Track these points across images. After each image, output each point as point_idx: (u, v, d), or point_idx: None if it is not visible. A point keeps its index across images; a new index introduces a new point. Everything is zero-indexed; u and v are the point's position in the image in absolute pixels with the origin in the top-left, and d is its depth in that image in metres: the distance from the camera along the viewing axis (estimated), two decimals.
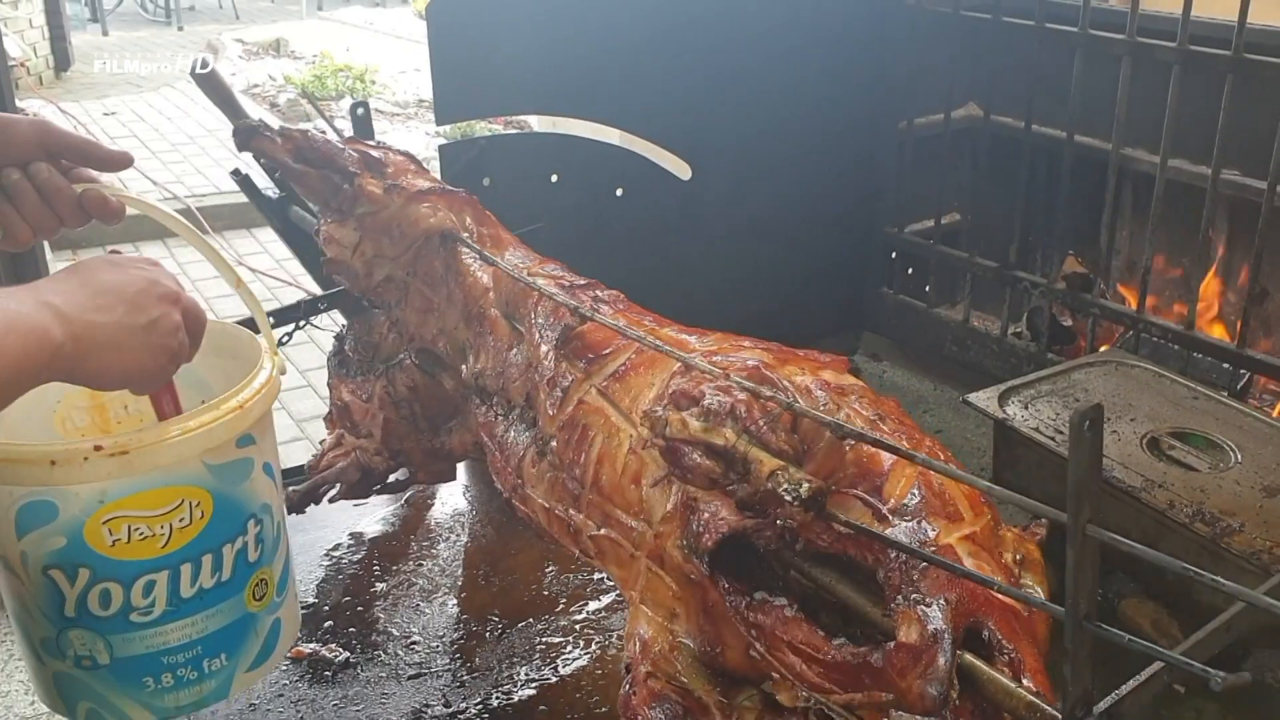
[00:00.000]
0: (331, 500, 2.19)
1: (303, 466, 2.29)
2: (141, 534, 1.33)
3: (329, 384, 2.18)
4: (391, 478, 2.18)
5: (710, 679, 1.34)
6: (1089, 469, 0.92)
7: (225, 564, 1.40)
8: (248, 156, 2.22)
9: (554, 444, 1.56)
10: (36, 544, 1.32)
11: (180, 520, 1.35)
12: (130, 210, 1.34)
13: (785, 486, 1.15)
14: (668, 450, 1.27)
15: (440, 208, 1.84)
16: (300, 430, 4.24)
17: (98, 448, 1.28)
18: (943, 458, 1.27)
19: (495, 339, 1.76)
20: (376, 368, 2.03)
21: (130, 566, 1.34)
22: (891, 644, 1.15)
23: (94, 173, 1.33)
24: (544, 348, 1.63)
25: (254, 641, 1.47)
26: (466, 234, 1.84)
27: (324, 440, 2.26)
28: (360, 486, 2.16)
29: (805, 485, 1.15)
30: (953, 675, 1.11)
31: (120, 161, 1.34)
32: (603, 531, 1.47)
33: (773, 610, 1.26)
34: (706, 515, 1.30)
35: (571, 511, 1.53)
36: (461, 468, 2.31)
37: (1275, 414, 2.31)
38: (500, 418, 1.74)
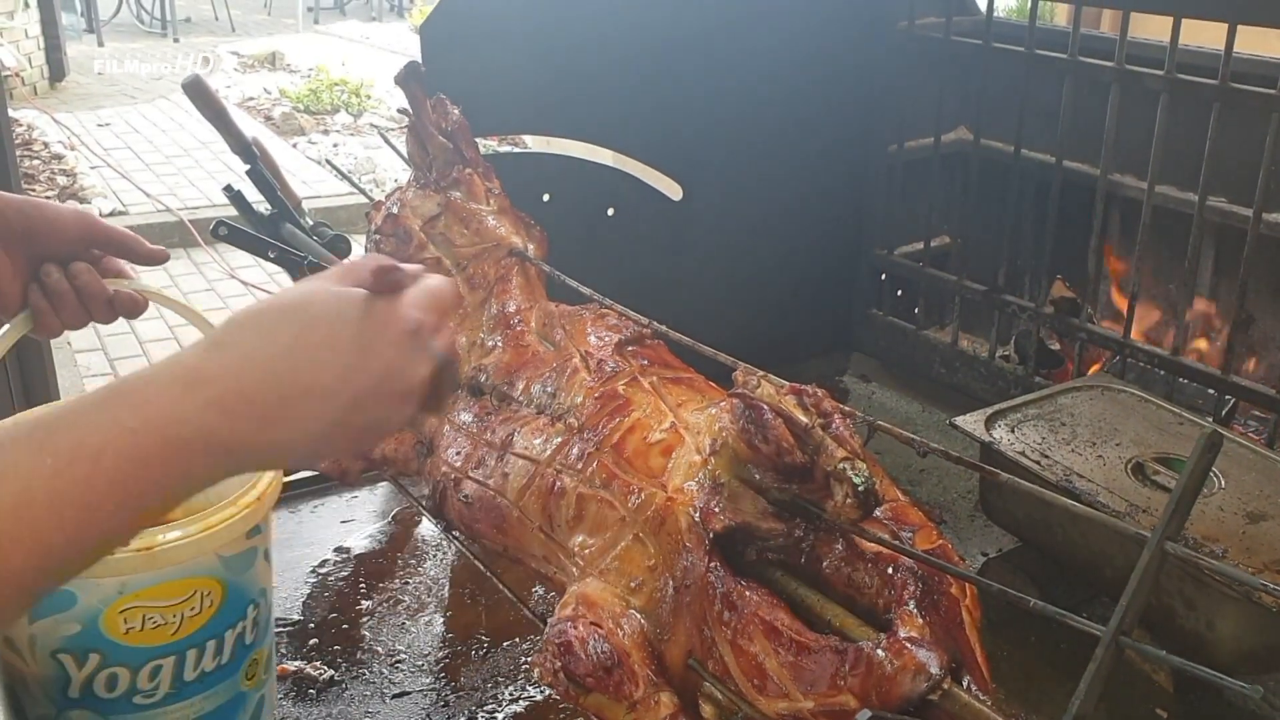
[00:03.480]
0: None
1: None
2: (155, 622, 1.37)
3: None
4: None
5: (649, 654, 1.34)
6: (1192, 490, 0.94)
7: (226, 648, 1.46)
8: (240, 171, 2.22)
9: (580, 408, 1.60)
10: (50, 630, 1.34)
11: (191, 609, 1.40)
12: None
13: (853, 473, 1.19)
14: (748, 406, 1.29)
15: (520, 230, 2.01)
16: None
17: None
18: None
19: (518, 345, 1.83)
20: None
21: (141, 652, 1.38)
22: (885, 635, 1.16)
23: (121, 263, 1.34)
24: (600, 349, 1.70)
25: (243, 718, 1.54)
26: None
27: None
28: None
29: (872, 479, 1.19)
30: (945, 677, 1.13)
31: (159, 258, 1.36)
32: (600, 491, 1.48)
33: (758, 594, 1.27)
34: (728, 499, 1.33)
35: (566, 471, 1.54)
36: None
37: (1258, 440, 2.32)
38: (490, 410, 1.77)
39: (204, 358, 0.81)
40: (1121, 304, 2.78)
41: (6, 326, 1.32)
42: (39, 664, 1.36)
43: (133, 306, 1.32)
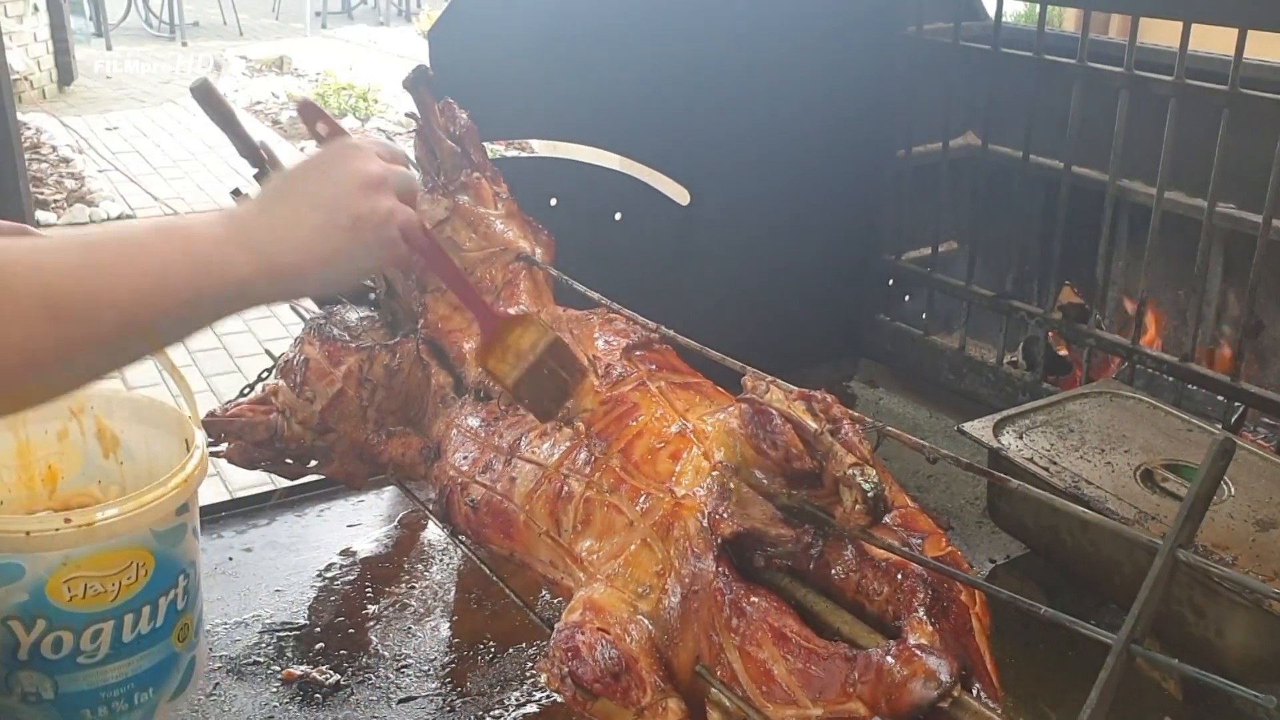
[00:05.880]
0: (215, 455, 2.02)
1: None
2: (95, 590, 1.58)
3: (300, 337, 2.05)
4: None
5: (656, 660, 1.34)
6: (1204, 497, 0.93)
7: (159, 612, 1.68)
8: (248, 175, 2.22)
9: (588, 412, 1.59)
10: (0, 598, 1.54)
11: (128, 577, 1.61)
12: None
13: (862, 479, 1.18)
14: (756, 412, 1.28)
15: (528, 234, 2.01)
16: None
17: (67, 520, 1.57)
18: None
19: None
20: (362, 340, 2.02)
21: (82, 617, 1.59)
22: (895, 642, 1.16)
23: None
24: (608, 354, 1.69)
25: (175, 675, 1.75)
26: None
27: (245, 391, 2.15)
28: (261, 449, 2.03)
29: (881, 485, 1.19)
30: (955, 684, 1.12)
31: None
32: (608, 496, 1.47)
33: (767, 600, 1.26)
34: (737, 504, 1.32)
35: (573, 475, 1.53)
36: None
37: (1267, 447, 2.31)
38: (498, 415, 1.76)
39: (245, 207, 1.13)
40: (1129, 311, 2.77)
41: None
42: None
43: None
